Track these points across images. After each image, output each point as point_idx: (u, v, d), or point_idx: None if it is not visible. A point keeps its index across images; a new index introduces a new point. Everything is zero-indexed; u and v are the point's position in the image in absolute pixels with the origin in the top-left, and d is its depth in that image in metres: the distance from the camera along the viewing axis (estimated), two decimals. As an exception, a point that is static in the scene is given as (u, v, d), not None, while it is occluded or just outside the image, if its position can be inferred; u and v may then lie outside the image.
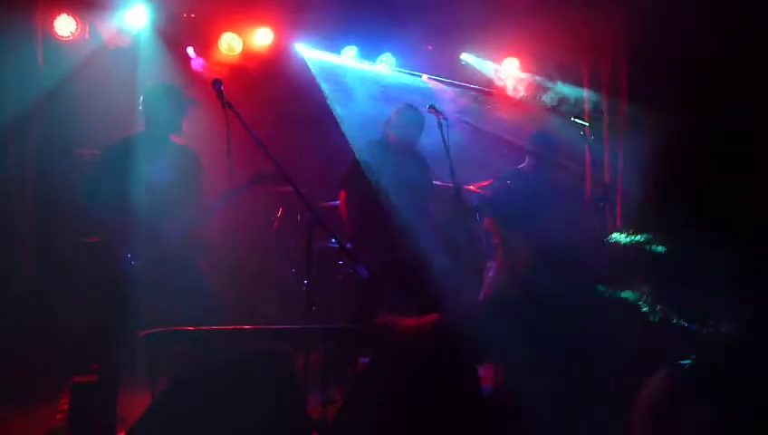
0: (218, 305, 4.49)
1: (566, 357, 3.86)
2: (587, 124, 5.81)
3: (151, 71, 5.99)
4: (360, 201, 5.43)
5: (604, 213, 6.11)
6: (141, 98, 4.70)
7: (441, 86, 7.30)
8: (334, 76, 7.04)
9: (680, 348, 3.62)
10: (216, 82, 4.08)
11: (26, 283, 5.82)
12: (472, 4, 6.47)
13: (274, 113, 6.49)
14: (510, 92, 7.37)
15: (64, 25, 6.11)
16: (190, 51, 6.62)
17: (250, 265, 5.72)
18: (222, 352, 3.72)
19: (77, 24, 6.14)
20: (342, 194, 5.56)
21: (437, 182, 5.75)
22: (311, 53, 6.97)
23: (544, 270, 5.02)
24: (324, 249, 5.49)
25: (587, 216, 5.93)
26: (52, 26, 6.10)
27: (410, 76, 7.25)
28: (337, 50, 7.04)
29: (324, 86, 6.91)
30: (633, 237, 4.19)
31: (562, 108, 7.01)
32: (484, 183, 6.14)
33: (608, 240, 4.59)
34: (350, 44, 7.04)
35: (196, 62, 6.63)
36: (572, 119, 5.82)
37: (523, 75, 7.30)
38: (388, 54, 7.16)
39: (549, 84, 7.16)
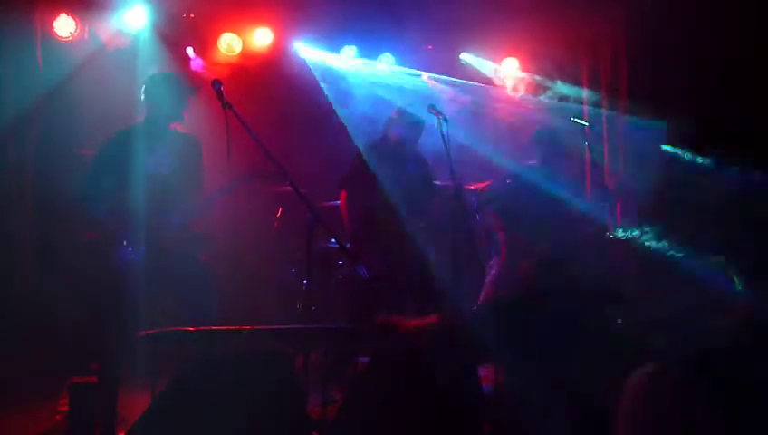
0: (219, 298, 4.48)
1: (565, 360, 3.85)
2: (587, 124, 5.80)
3: (151, 71, 5.97)
4: (360, 201, 5.43)
5: (605, 213, 6.10)
6: (143, 87, 4.66)
7: (441, 86, 7.30)
8: (334, 76, 7.05)
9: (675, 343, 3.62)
10: (216, 83, 4.08)
11: (26, 283, 5.82)
12: (471, 4, 6.47)
13: (274, 113, 6.49)
14: (510, 92, 7.37)
15: (64, 26, 6.11)
16: (190, 51, 6.61)
17: (250, 265, 5.72)
18: (222, 352, 3.72)
19: (76, 25, 6.14)
20: (343, 194, 5.56)
21: (437, 182, 5.76)
22: (310, 53, 6.97)
23: (545, 272, 5.02)
24: (324, 249, 5.50)
25: (589, 216, 5.91)
26: (52, 27, 6.10)
27: (410, 76, 7.25)
28: (336, 50, 7.03)
29: (324, 86, 6.91)
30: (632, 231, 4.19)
31: (562, 107, 7.02)
32: (484, 183, 6.14)
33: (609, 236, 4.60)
34: (349, 44, 7.03)
35: (196, 63, 6.63)
36: (572, 118, 5.80)
37: (523, 75, 7.30)
38: (388, 54, 7.15)
39: (548, 84, 7.16)
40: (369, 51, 7.12)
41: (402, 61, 7.20)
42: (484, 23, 6.75)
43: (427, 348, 3.92)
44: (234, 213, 4.77)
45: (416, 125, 5.53)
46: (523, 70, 7.29)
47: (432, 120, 5.17)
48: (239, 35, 6.70)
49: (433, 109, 5.13)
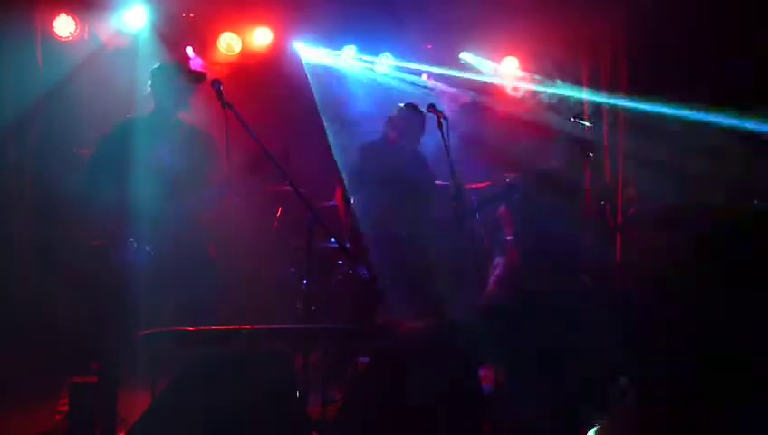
0: (223, 294, 4.47)
1: (562, 361, 3.85)
2: (587, 124, 5.80)
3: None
4: (361, 201, 5.43)
5: (605, 212, 6.10)
6: (149, 79, 4.62)
7: (441, 85, 7.30)
8: (334, 75, 7.05)
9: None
10: (216, 82, 4.08)
11: (26, 283, 5.82)
12: (471, 3, 6.47)
13: (274, 113, 6.49)
14: (509, 91, 7.37)
15: (64, 26, 6.11)
16: (189, 51, 6.61)
17: (250, 265, 5.71)
18: (222, 352, 3.72)
19: (76, 25, 6.14)
20: (338, 190, 5.56)
21: (438, 181, 5.75)
22: (310, 53, 6.97)
23: (543, 275, 5.01)
24: (324, 249, 5.49)
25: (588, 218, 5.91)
26: (52, 27, 6.10)
27: (410, 75, 7.25)
28: (336, 49, 7.03)
29: (324, 86, 6.91)
30: None
31: (562, 107, 7.02)
32: (484, 183, 6.14)
33: None
34: (349, 44, 7.03)
35: (196, 62, 6.62)
36: (572, 118, 5.80)
37: (523, 74, 7.30)
38: (388, 54, 7.15)
39: (548, 83, 7.16)
40: (369, 50, 7.12)
41: (402, 60, 7.20)
42: (483, 22, 6.75)
43: (426, 348, 3.92)
44: (233, 213, 4.76)
45: (417, 125, 5.52)
46: (523, 69, 7.29)
47: (432, 120, 5.17)
48: (239, 35, 6.70)
49: (433, 108, 5.13)
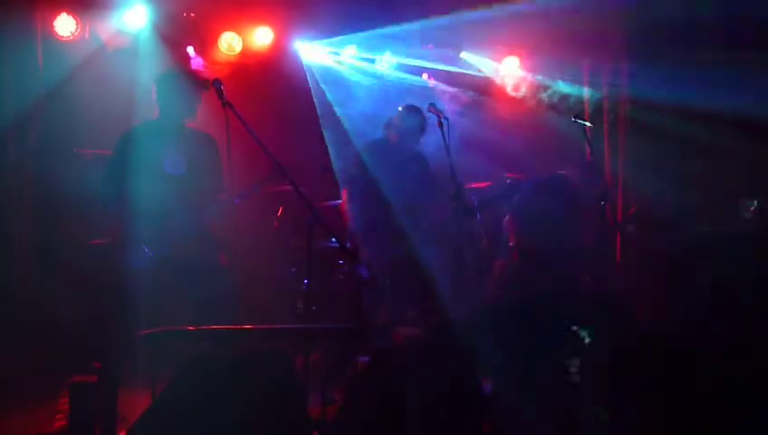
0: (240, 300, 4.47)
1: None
2: (587, 123, 5.79)
3: (151, 70, 5.97)
4: (361, 201, 5.42)
5: (604, 212, 6.09)
6: (154, 86, 4.63)
7: (441, 85, 7.29)
8: (334, 75, 7.04)
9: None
10: (216, 82, 4.08)
11: (26, 283, 5.82)
12: (472, 3, 6.46)
13: (274, 113, 6.49)
14: (510, 91, 7.36)
15: (64, 25, 6.10)
16: (190, 50, 6.61)
17: (250, 265, 5.71)
18: (222, 352, 3.72)
19: (77, 24, 6.13)
20: (344, 193, 5.55)
21: (438, 181, 5.74)
22: (311, 52, 6.97)
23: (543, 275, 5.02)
24: (324, 249, 5.49)
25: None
26: (52, 26, 6.09)
27: (410, 75, 7.24)
28: (337, 48, 7.03)
29: (324, 85, 6.91)
30: None
31: (562, 107, 7.01)
32: (484, 183, 6.14)
33: None
34: (350, 43, 7.03)
35: (196, 62, 6.61)
36: (573, 118, 5.80)
37: (524, 74, 7.30)
38: (389, 53, 7.15)
39: (549, 83, 7.15)
40: (370, 50, 7.12)
41: (403, 60, 7.20)
42: (484, 21, 6.74)
43: (426, 348, 3.92)
44: (234, 213, 4.76)
45: (418, 126, 5.51)
46: (524, 69, 7.28)
47: (432, 120, 5.17)
48: (239, 34, 6.70)
49: (433, 108, 5.13)
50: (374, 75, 7.15)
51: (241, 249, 5.43)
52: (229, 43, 6.67)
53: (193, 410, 3.31)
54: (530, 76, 7.25)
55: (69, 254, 5.43)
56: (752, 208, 5.31)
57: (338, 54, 7.05)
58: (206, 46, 6.68)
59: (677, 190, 6.00)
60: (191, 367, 3.46)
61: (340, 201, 5.60)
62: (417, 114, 5.50)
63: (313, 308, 5.18)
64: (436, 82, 7.31)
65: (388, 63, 7.17)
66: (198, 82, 4.64)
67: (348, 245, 5.12)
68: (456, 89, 7.30)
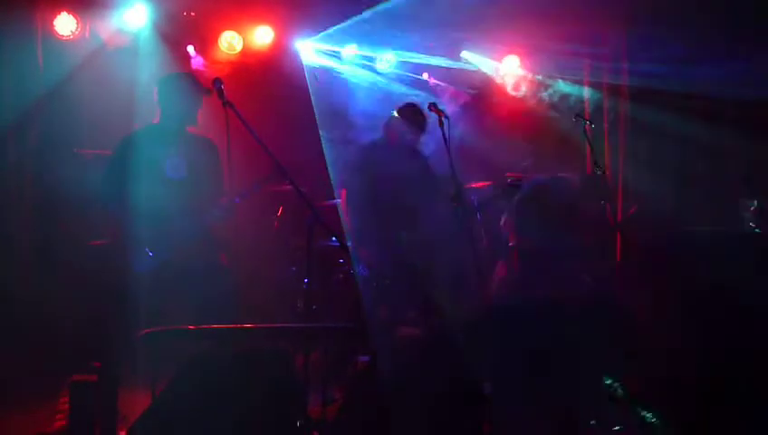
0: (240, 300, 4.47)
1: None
2: (588, 122, 5.79)
3: (151, 70, 5.97)
4: (361, 201, 5.42)
5: (604, 212, 6.09)
6: (156, 89, 4.63)
7: (442, 84, 7.29)
8: (334, 74, 7.04)
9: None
10: (217, 81, 4.08)
11: (26, 283, 5.82)
12: (473, 2, 6.46)
13: (275, 112, 6.48)
14: (510, 90, 7.36)
15: (64, 24, 6.10)
16: (190, 49, 6.61)
17: (250, 265, 5.71)
18: (222, 352, 3.72)
19: (77, 23, 6.13)
20: (343, 192, 5.55)
21: (438, 181, 5.74)
22: (311, 52, 6.97)
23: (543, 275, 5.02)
24: (324, 248, 5.49)
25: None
26: (53, 25, 6.09)
27: (411, 74, 7.24)
28: (337, 48, 7.02)
29: (324, 85, 6.90)
30: None
31: (563, 106, 7.01)
32: (484, 184, 6.13)
33: None
34: (350, 42, 7.03)
35: (197, 61, 6.62)
36: (573, 117, 5.80)
37: (524, 73, 7.29)
38: (389, 52, 7.15)
39: (549, 82, 7.15)
40: (371, 49, 7.11)
41: (403, 59, 7.19)
42: (485, 21, 6.74)
43: (426, 348, 3.92)
44: (233, 212, 4.76)
45: (418, 125, 5.51)
46: (524, 68, 7.28)
47: (433, 120, 5.17)
48: (240, 34, 6.69)
49: (434, 107, 5.12)
50: (374, 74, 7.15)
51: (241, 249, 5.44)
52: (229, 43, 6.67)
53: (193, 409, 3.31)
54: (530, 75, 7.25)
55: (69, 254, 5.43)
56: (752, 208, 5.30)
57: (339, 53, 7.04)
58: (206, 45, 6.68)
59: (677, 190, 6.01)
60: (191, 366, 3.46)
61: (339, 200, 5.60)
62: (418, 113, 5.49)
63: (314, 307, 5.19)
64: (437, 81, 7.30)
65: (388, 63, 7.16)
66: (200, 86, 4.64)
67: (348, 244, 5.12)
68: (456, 88, 7.29)
